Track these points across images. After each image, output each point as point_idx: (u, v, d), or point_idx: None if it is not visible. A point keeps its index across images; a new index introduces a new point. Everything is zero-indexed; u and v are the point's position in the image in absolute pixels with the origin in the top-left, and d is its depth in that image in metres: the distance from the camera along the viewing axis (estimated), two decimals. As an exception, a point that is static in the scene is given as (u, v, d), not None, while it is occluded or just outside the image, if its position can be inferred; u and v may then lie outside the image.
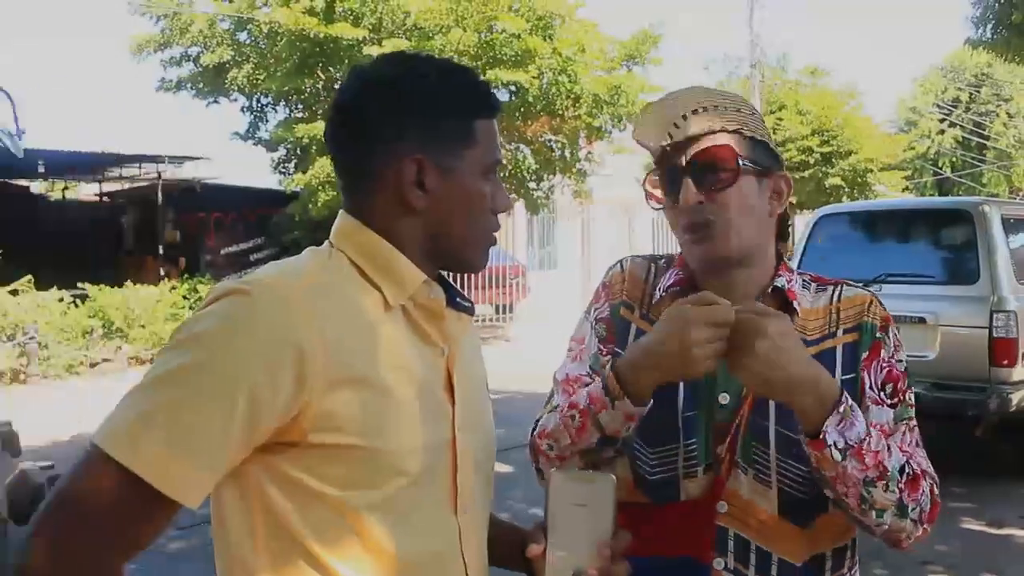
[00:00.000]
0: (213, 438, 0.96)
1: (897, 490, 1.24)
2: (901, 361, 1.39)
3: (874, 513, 1.24)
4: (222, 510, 1.07)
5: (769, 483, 1.32)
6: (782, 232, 1.45)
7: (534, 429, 1.42)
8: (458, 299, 1.20)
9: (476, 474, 1.17)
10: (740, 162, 1.33)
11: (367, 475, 1.04)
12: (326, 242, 1.16)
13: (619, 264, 1.55)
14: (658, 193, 1.42)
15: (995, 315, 5.60)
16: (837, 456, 1.19)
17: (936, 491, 1.32)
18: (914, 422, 1.37)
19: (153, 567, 4.28)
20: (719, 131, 1.34)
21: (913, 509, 1.26)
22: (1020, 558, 4.74)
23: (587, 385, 1.36)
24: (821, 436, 1.19)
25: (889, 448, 1.26)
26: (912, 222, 6.56)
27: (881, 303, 1.42)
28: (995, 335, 5.59)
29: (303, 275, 1.07)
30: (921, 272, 6.06)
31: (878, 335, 1.38)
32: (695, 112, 1.34)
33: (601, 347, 1.47)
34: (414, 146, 1.11)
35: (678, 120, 1.35)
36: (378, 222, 1.13)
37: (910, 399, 1.38)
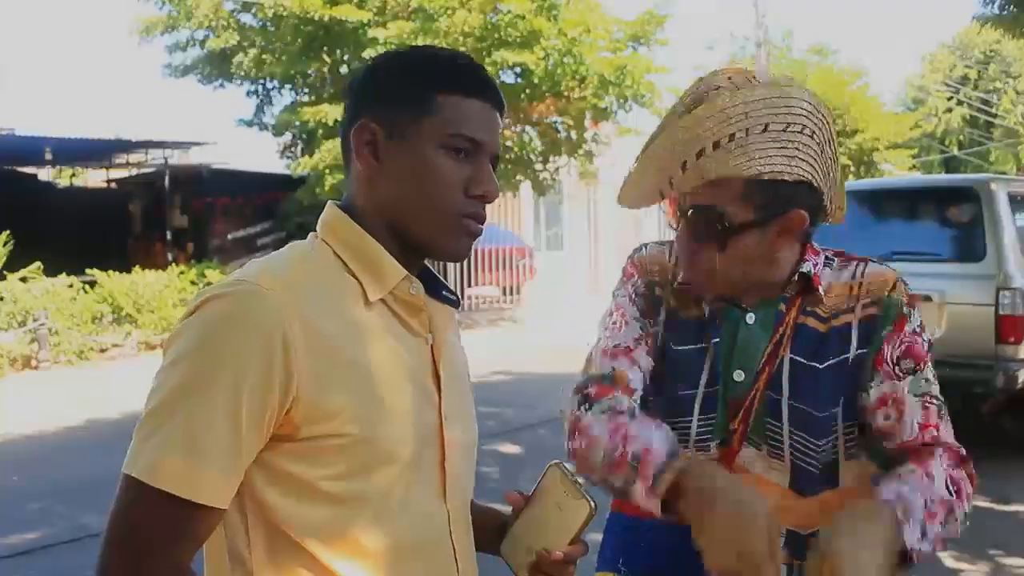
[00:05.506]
0: (227, 442, 0.99)
1: (963, 499, 1.31)
2: (926, 341, 1.38)
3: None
4: None
5: (782, 457, 1.34)
6: (808, 234, 1.37)
7: (576, 398, 1.36)
8: (444, 292, 1.22)
9: (462, 461, 1.19)
10: (729, 226, 1.28)
11: (359, 463, 1.05)
12: (311, 234, 1.17)
13: (642, 247, 1.53)
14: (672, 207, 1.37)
15: (1001, 292, 5.60)
16: (928, 546, 1.23)
17: (968, 464, 1.36)
18: (939, 398, 1.38)
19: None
20: (728, 179, 1.25)
21: (968, 500, 1.33)
22: (1026, 534, 4.77)
23: (632, 354, 1.38)
24: (911, 551, 1.20)
25: (930, 475, 1.28)
26: (919, 200, 6.55)
27: (906, 283, 1.40)
28: (1001, 312, 5.59)
29: (282, 271, 1.07)
30: (928, 250, 6.05)
31: (905, 310, 1.36)
32: (700, 153, 1.24)
33: (640, 319, 1.45)
34: (369, 114, 1.12)
35: (675, 173, 1.27)
36: (355, 207, 1.14)
37: (929, 374, 1.37)
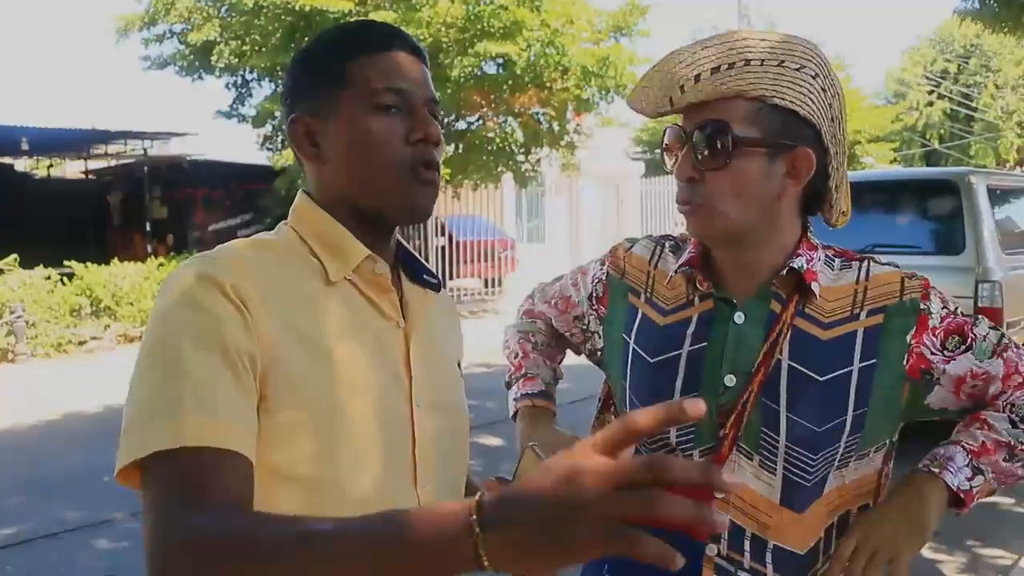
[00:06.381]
0: (229, 389, 0.96)
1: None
2: (956, 311, 1.32)
3: None
4: None
5: (774, 470, 1.28)
6: (810, 205, 1.34)
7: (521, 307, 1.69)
8: (425, 275, 1.21)
9: (438, 448, 1.16)
10: (734, 142, 1.23)
11: (319, 443, 1.03)
12: (280, 223, 1.18)
13: (627, 242, 1.50)
14: (673, 151, 1.32)
15: (980, 285, 5.62)
16: (980, 482, 1.29)
17: None
18: (1007, 339, 1.33)
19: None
20: (734, 97, 1.23)
21: None
22: (1003, 524, 4.81)
23: (575, 312, 1.53)
24: (961, 496, 1.27)
25: (987, 421, 1.32)
26: (898, 193, 6.56)
27: (911, 276, 1.34)
28: (980, 305, 5.61)
29: (240, 247, 1.09)
30: (907, 243, 6.07)
31: (921, 307, 1.30)
32: (715, 71, 1.22)
33: (592, 303, 1.48)
34: (296, 107, 1.15)
35: (688, 82, 1.24)
36: (316, 193, 1.16)
37: (984, 331, 1.32)
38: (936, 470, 1.28)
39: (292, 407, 1.01)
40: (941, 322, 1.31)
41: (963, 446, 1.31)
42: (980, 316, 1.34)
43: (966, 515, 1.30)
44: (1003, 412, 1.33)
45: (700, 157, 1.25)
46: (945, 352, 1.30)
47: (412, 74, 1.14)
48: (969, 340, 1.31)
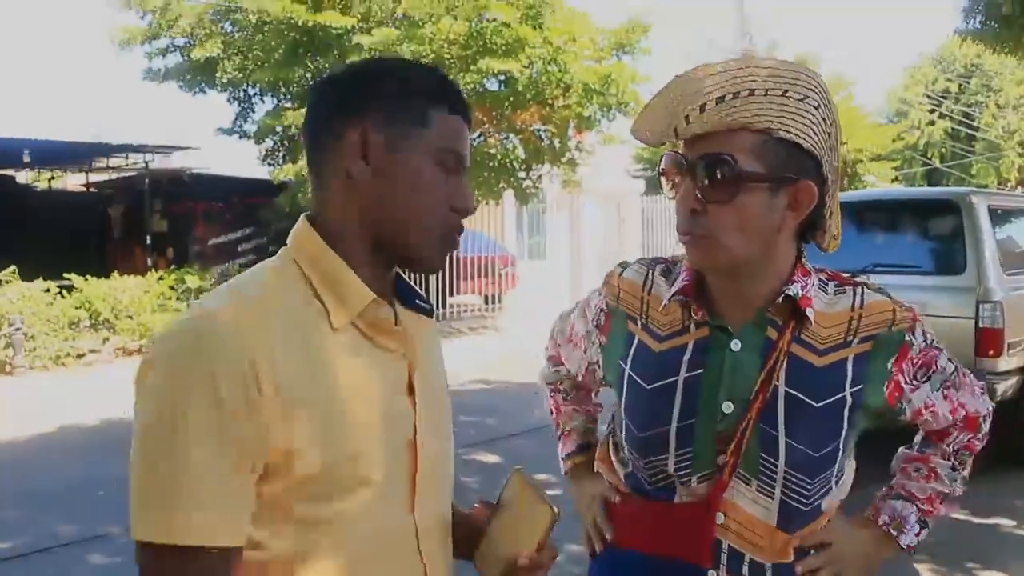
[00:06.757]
0: (224, 480, 0.96)
1: (961, 475, 1.51)
2: (931, 346, 1.36)
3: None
4: None
5: (772, 495, 1.30)
6: (805, 232, 1.34)
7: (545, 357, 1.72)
8: (417, 301, 1.21)
9: (435, 473, 1.17)
10: (739, 176, 1.21)
11: (328, 491, 1.03)
12: (282, 249, 1.14)
13: (619, 267, 1.51)
14: (670, 177, 1.32)
15: (981, 306, 5.61)
16: (924, 533, 1.50)
17: (984, 425, 1.49)
18: (957, 375, 1.41)
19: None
20: (739, 129, 1.21)
21: (967, 464, 1.52)
22: (1004, 546, 4.78)
23: (585, 345, 1.53)
24: (907, 547, 1.50)
25: (935, 471, 1.49)
26: (900, 213, 6.56)
27: (902, 306, 1.36)
28: (981, 325, 5.60)
29: (241, 302, 1.04)
30: (908, 263, 6.07)
31: (906, 339, 1.34)
32: (720, 100, 1.20)
33: (595, 333, 1.49)
34: (359, 116, 1.09)
35: (692, 112, 1.21)
36: (328, 216, 1.12)
37: (943, 364, 1.38)
38: (895, 533, 1.48)
39: (303, 449, 1.00)
40: (919, 354, 1.35)
41: (917, 505, 1.50)
42: (943, 350, 1.39)
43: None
44: (948, 460, 1.48)
45: (703, 187, 1.24)
46: (914, 382, 1.35)
47: (467, 144, 1.17)
48: (931, 372, 1.37)
